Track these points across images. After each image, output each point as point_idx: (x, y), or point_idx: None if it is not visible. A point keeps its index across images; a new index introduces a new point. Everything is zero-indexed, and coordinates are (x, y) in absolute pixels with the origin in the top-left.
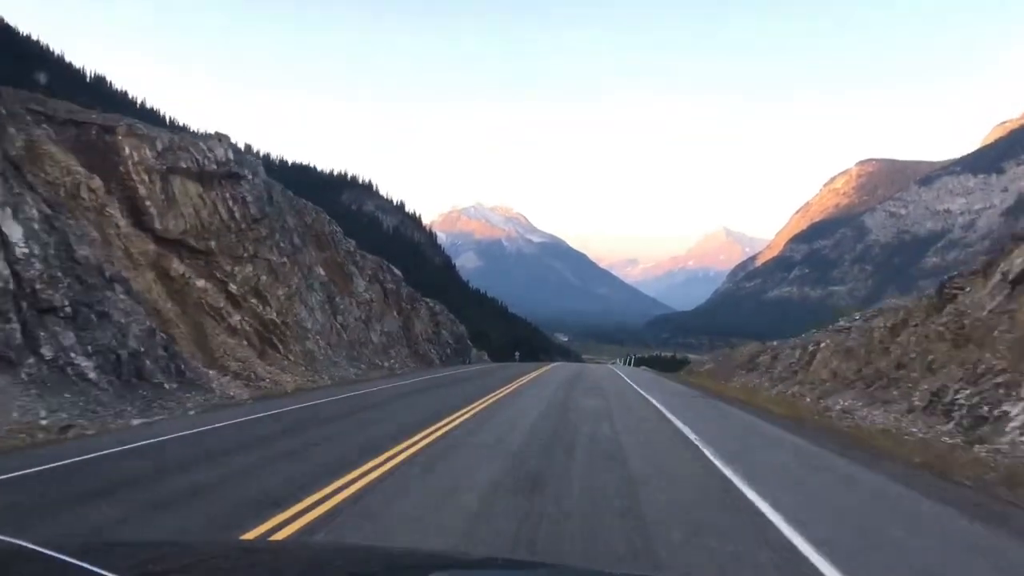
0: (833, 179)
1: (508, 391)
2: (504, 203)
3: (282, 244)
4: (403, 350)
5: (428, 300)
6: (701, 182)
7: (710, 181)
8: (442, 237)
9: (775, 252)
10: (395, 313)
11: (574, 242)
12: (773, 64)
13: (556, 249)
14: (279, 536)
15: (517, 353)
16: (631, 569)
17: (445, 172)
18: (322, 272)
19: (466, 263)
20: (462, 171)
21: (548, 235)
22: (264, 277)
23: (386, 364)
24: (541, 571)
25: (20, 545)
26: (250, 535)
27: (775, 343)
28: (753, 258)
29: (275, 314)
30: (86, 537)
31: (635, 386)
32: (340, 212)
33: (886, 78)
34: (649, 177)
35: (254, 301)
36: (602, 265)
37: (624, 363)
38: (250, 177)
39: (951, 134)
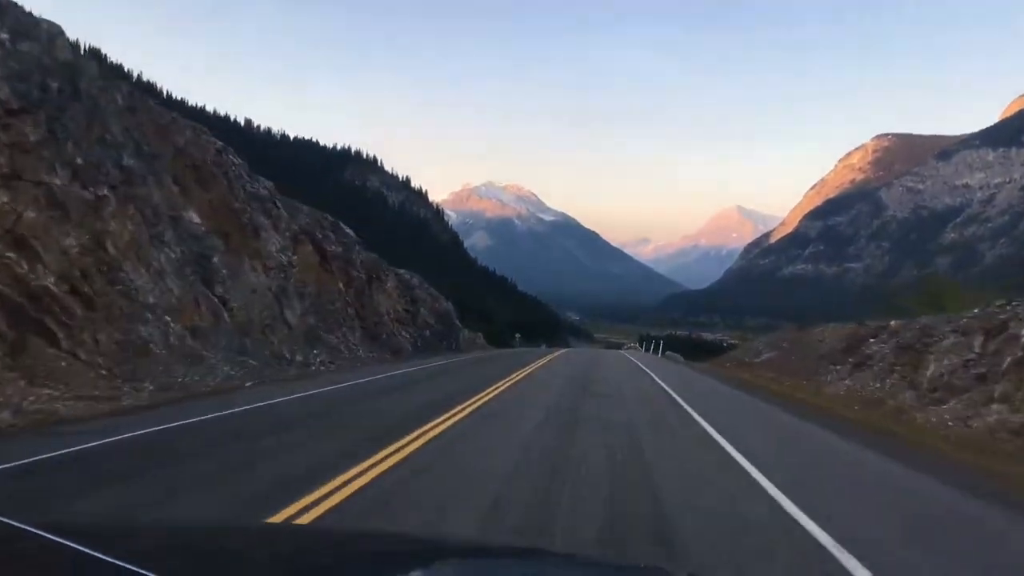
0: (849, 154)
1: (444, 428)
2: (515, 181)
3: (90, 162)
4: (352, 335)
5: (400, 270)
6: (714, 159)
7: (723, 158)
8: (452, 216)
9: (789, 229)
10: (340, 285)
11: (586, 220)
12: (787, 37)
13: (568, 228)
14: None
15: (517, 336)
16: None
17: (456, 150)
18: (197, 220)
19: (477, 242)
20: (473, 149)
21: (560, 214)
22: (34, 214)
23: (301, 358)
24: (554, 561)
25: (22, 528)
26: None
27: (892, 323)
28: (767, 235)
29: (55, 278)
30: (93, 519)
31: (699, 419)
32: (343, 188)
33: (902, 51)
34: (661, 155)
35: (11, 255)
36: (614, 244)
37: (644, 347)
38: (5, 38)
39: (969, 107)
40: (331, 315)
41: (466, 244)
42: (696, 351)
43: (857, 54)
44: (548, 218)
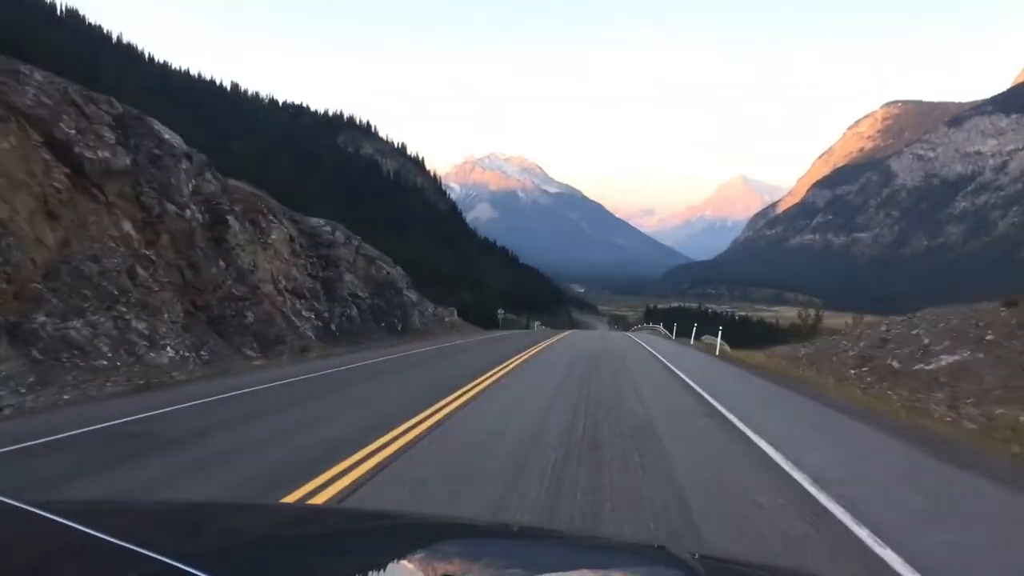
0: (857, 122)
1: None
2: (519, 153)
3: None
4: (151, 322)
5: (313, 219)
6: (718, 130)
7: (728, 128)
8: (456, 189)
9: (796, 199)
10: (128, 227)
11: (590, 192)
12: (794, 3)
13: (572, 199)
14: None
15: (501, 312)
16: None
17: (459, 122)
18: None
19: (481, 214)
20: (477, 121)
21: (564, 185)
22: None
23: None
24: (553, 540)
25: (19, 508)
26: None
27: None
28: (774, 205)
29: None
30: (103, 499)
31: None
32: (335, 155)
33: (912, 16)
34: (666, 126)
35: None
36: (618, 215)
37: (647, 325)
38: None
39: (981, 73)
40: (83, 286)
41: (470, 216)
42: (742, 335)
43: (866, 19)
44: (552, 190)
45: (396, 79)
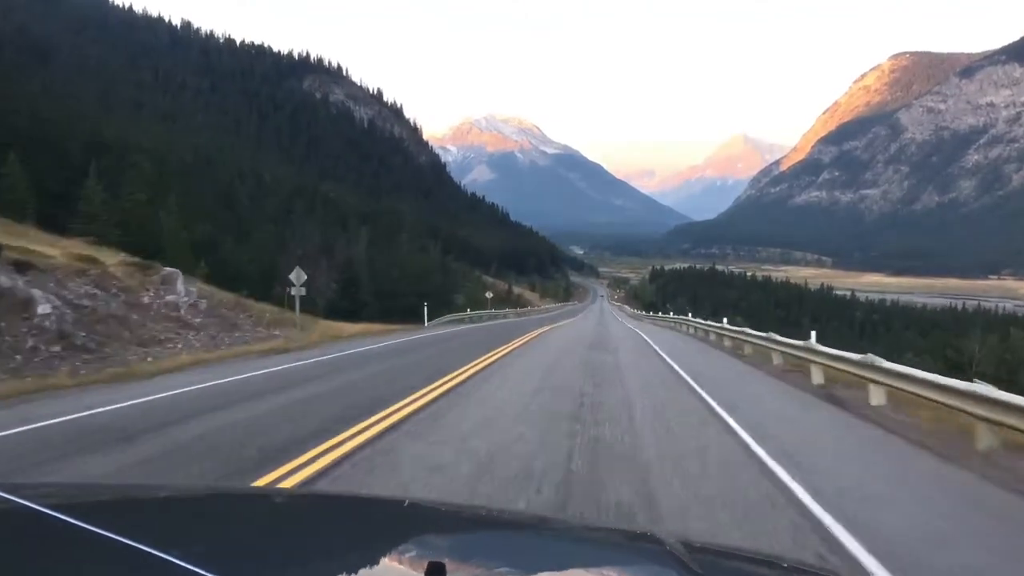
0: (864, 76)
1: None
2: (517, 114)
3: None
4: None
5: None
6: (717, 87)
7: (727, 85)
8: (453, 151)
9: (801, 156)
10: None
11: (589, 153)
12: None
13: (571, 160)
14: None
15: (427, 306)
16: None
17: (456, 82)
18: None
19: (479, 176)
20: (474, 81)
21: (563, 146)
22: None
23: None
24: (542, 528)
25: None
26: None
27: None
28: (777, 163)
29: None
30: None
31: None
32: (298, 101)
33: None
34: (664, 83)
35: None
36: (618, 176)
37: (664, 325)
38: None
39: (993, 22)
40: None
41: (467, 179)
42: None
43: None
44: (551, 151)
45: (393, 41)
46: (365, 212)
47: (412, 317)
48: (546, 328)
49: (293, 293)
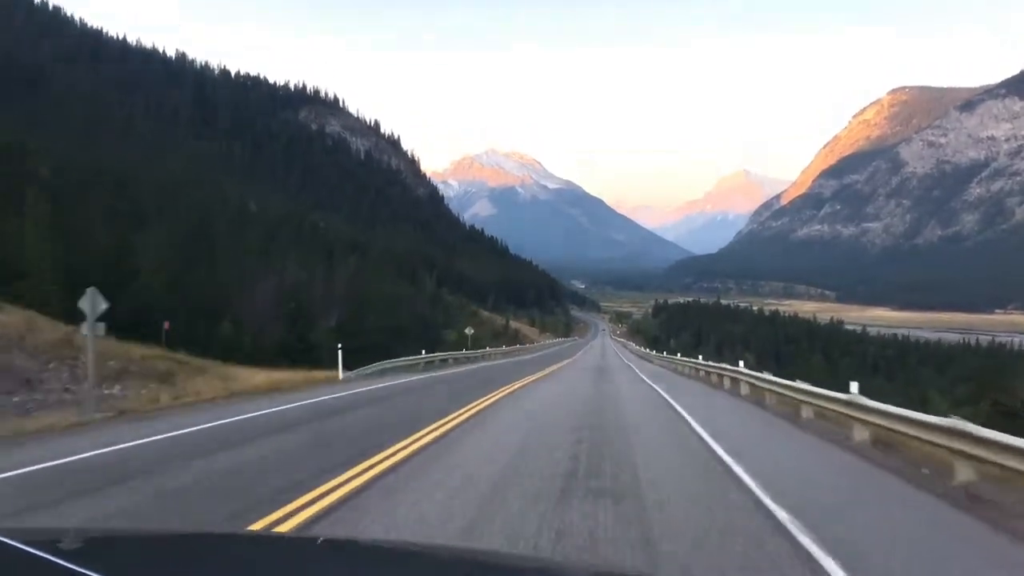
0: (863, 110)
1: None
2: (518, 149)
3: None
4: None
5: None
6: (718, 121)
7: (727, 120)
8: (455, 185)
9: (802, 190)
10: None
11: (590, 188)
12: None
13: (572, 195)
14: None
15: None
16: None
17: (457, 118)
18: None
19: (480, 210)
20: (475, 117)
21: (564, 181)
22: None
23: None
24: (538, 570)
25: None
26: None
27: None
28: (778, 197)
29: None
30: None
31: None
32: (293, 131)
33: None
34: (665, 118)
35: None
36: (619, 210)
37: (675, 370)
38: None
39: (992, 56)
40: None
41: (468, 213)
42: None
43: (868, 2)
44: (552, 185)
45: (394, 77)
46: (354, 242)
47: (380, 356)
48: (524, 381)
49: (84, 332)
